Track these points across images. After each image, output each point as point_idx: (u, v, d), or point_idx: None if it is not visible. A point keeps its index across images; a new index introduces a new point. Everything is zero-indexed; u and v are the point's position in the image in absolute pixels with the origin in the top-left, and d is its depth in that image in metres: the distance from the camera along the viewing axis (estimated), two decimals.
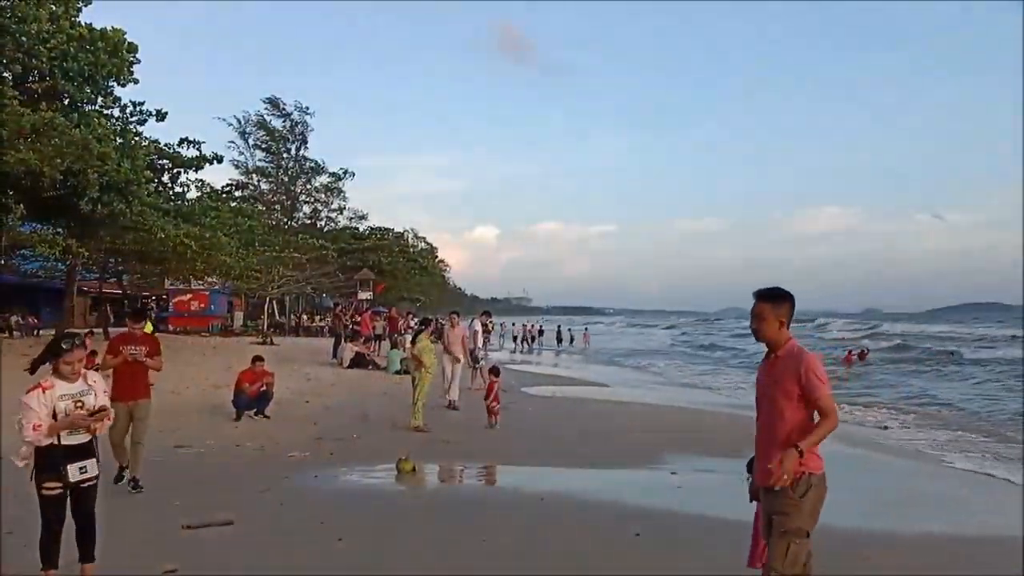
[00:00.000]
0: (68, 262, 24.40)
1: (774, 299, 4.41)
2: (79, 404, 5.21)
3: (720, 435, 14.48)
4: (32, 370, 5.31)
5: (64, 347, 5.25)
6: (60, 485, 5.14)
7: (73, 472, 5.16)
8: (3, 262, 28.33)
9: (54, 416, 5.10)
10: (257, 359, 14.73)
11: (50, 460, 5.11)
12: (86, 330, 22.43)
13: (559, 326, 61.25)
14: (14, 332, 29.77)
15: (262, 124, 56.74)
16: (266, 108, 56.89)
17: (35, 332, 30.60)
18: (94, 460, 5.33)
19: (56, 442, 5.11)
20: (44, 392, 5.10)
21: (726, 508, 8.45)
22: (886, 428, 16.77)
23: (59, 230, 22.08)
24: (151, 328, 9.99)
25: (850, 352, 41.07)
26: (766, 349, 4.49)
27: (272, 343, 33.38)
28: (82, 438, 5.26)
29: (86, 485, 5.27)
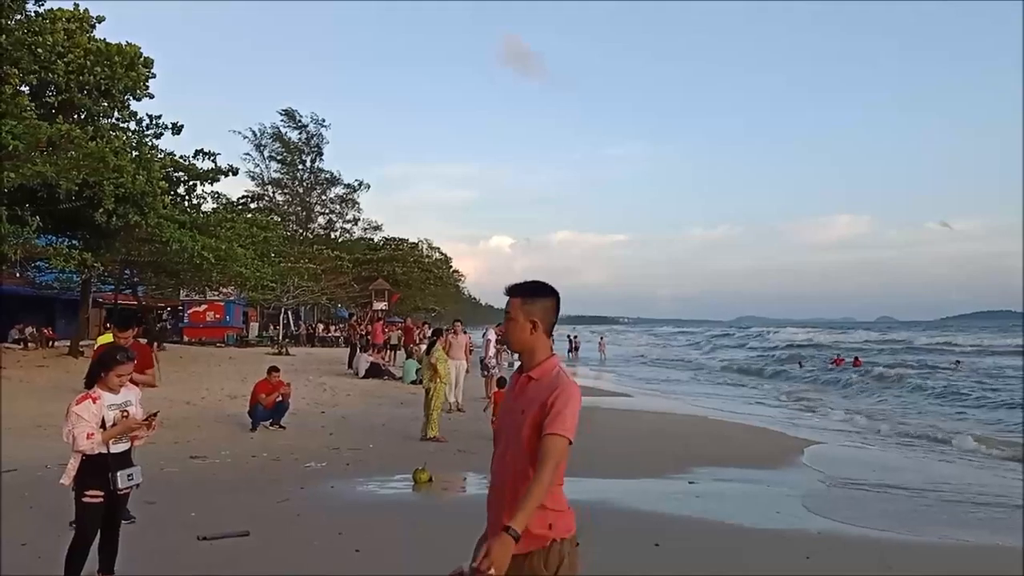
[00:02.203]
0: (83, 274, 24.47)
1: (525, 294, 3.40)
2: (125, 413, 5.39)
3: (737, 444, 14.43)
4: (89, 382, 5.44)
5: (119, 359, 5.44)
6: (103, 494, 5.24)
7: (122, 479, 5.30)
8: (18, 274, 28.51)
9: (103, 426, 5.24)
10: (273, 370, 14.68)
11: (97, 469, 5.22)
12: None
13: (568, 335, 60.24)
14: (29, 344, 29.87)
15: (278, 136, 57.19)
16: (282, 120, 57.37)
17: (50, 344, 30.67)
18: (139, 468, 5.48)
19: (105, 450, 5.25)
20: (94, 402, 5.27)
21: (745, 517, 8.38)
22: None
23: (75, 242, 22.19)
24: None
25: (839, 358, 42.13)
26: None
27: (287, 353, 33.46)
28: (125, 446, 5.43)
29: (122, 493, 5.39)
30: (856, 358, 43.19)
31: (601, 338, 58.23)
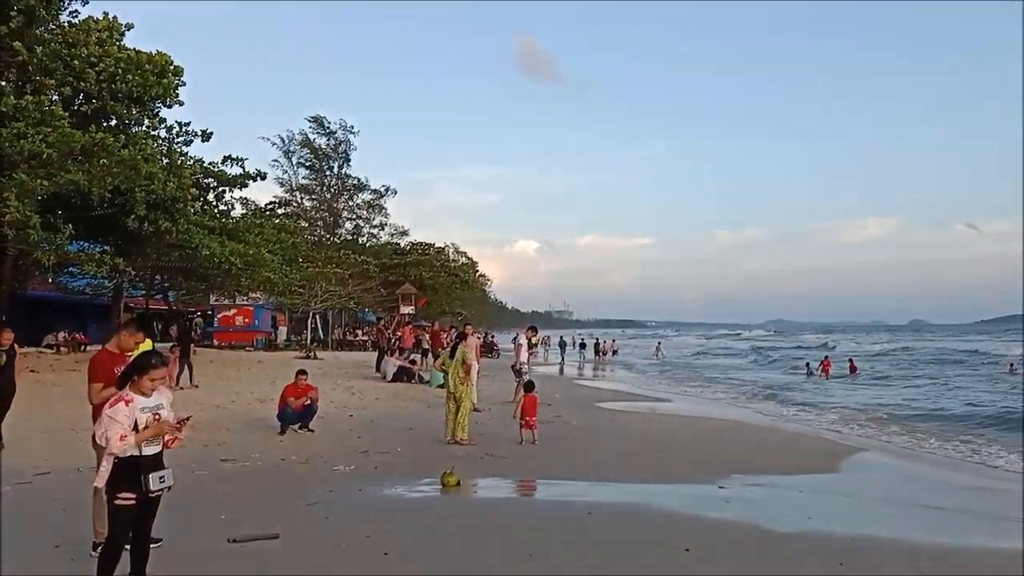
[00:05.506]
0: (115, 279, 24.77)
1: None
2: (157, 416, 5.42)
3: (766, 450, 14.32)
4: (121, 384, 5.49)
5: (153, 363, 5.49)
6: (135, 496, 5.26)
7: (154, 481, 5.31)
8: (51, 280, 28.89)
9: (135, 428, 5.28)
10: (301, 373, 14.74)
11: (129, 471, 5.25)
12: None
13: (575, 336, 61.65)
14: (61, 348, 30.26)
15: (306, 142, 57.77)
16: (311, 126, 57.92)
17: (82, 348, 31.07)
18: (170, 470, 5.50)
19: (138, 453, 5.28)
20: (127, 405, 5.30)
21: (776, 523, 8.28)
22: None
23: (106, 248, 22.44)
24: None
25: (826, 360, 41.35)
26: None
27: (315, 357, 33.63)
28: (156, 449, 5.46)
29: (154, 496, 5.40)
30: (851, 361, 42.56)
31: (658, 343, 65.57)
